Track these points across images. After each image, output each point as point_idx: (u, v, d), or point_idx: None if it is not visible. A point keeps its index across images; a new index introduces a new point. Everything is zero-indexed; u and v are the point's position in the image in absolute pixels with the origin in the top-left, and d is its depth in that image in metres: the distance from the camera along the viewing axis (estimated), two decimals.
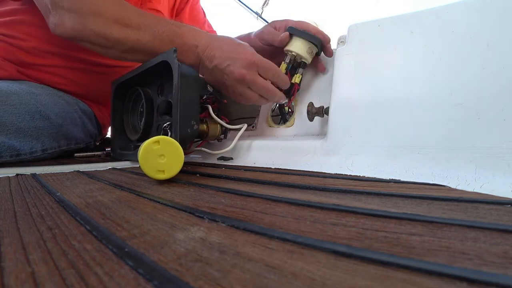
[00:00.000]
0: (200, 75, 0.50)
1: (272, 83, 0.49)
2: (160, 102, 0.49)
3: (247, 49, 0.47)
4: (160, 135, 0.50)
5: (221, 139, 0.56)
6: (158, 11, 0.71)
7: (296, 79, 0.52)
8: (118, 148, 0.63)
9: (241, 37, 0.67)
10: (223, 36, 0.50)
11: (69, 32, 0.48)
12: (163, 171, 0.31)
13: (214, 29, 0.88)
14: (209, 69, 0.48)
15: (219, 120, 0.52)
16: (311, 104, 0.48)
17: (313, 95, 0.55)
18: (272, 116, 0.62)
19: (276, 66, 0.49)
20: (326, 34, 0.51)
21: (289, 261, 0.12)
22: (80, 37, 0.49)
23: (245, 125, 0.54)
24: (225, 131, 0.55)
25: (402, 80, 0.37)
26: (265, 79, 0.48)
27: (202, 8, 0.87)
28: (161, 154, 0.31)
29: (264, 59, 0.47)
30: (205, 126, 0.51)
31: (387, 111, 0.37)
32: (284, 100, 0.53)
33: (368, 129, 0.39)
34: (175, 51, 0.42)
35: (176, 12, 0.81)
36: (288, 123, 0.58)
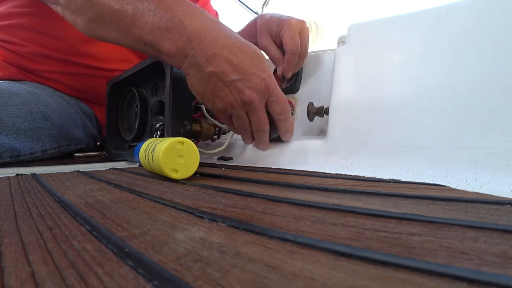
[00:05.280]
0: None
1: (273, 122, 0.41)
2: (153, 102, 0.49)
3: (265, 66, 0.38)
4: (153, 135, 0.50)
5: (215, 139, 0.56)
6: None
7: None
8: (112, 148, 0.63)
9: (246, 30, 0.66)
10: (232, 33, 0.38)
11: None
12: (177, 171, 0.33)
13: None
14: (204, 72, 0.36)
15: (212, 120, 0.52)
16: (311, 104, 0.48)
17: (313, 95, 0.55)
18: None
19: (287, 103, 0.41)
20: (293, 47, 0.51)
21: (289, 261, 0.12)
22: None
23: None
24: (218, 130, 0.55)
25: (402, 80, 0.37)
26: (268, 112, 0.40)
27: (213, 9, 0.85)
28: (181, 155, 0.33)
29: (278, 87, 0.39)
30: (198, 126, 0.51)
31: (387, 111, 0.37)
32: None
33: (368, 129, 0.39)
34: None
35: None
36: None
